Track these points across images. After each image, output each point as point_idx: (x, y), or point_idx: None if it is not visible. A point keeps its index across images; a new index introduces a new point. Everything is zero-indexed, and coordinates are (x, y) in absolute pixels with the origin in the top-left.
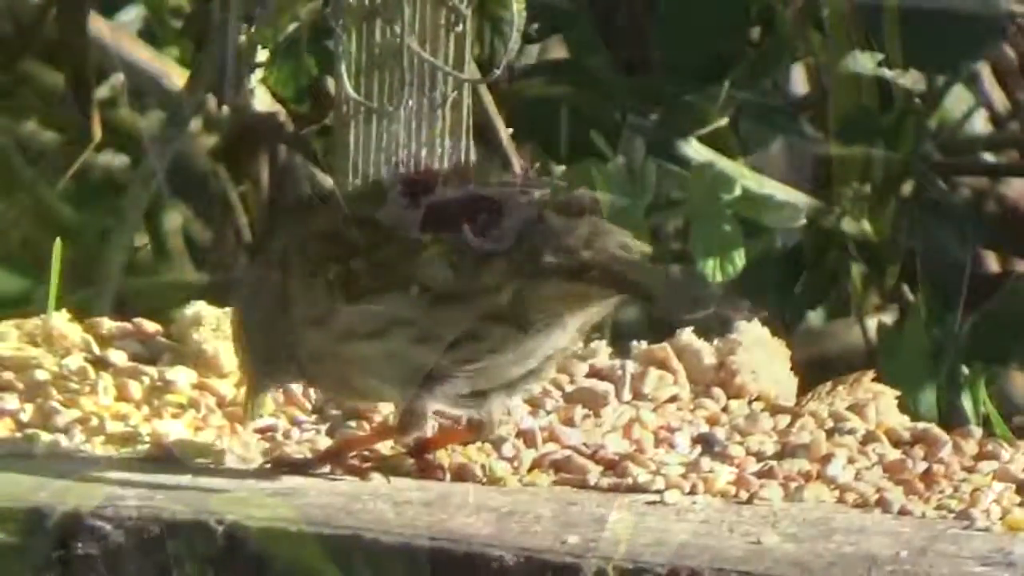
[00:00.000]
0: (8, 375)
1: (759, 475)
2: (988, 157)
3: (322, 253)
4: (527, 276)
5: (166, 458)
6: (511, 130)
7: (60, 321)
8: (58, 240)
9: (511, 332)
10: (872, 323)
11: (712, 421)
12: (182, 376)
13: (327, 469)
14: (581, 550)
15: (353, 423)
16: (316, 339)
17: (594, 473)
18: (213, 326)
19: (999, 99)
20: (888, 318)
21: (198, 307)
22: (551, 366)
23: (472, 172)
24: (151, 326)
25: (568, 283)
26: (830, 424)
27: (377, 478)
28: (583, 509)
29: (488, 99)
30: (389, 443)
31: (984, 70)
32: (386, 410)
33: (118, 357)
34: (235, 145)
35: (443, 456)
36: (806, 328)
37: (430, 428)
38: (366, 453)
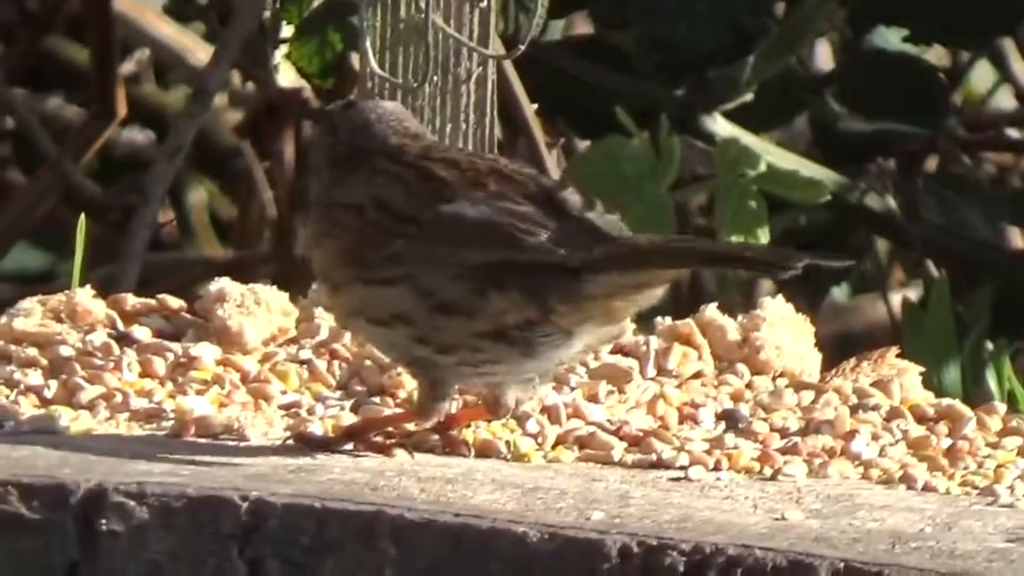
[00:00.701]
0: (32, 351)
1: (783, 451)
2: (1013, 133)
3: (341, 219)
4: (565, 289)
5: (190, 434)
6: (536, 106)
7: (84, 297)
8: (83, 216)
9: (513, 352)
10: (896, 299)
11: (736, 397)
12: (206, 352)
13: (349, 446)
14: (605, 526)
15: (377, 399)
16: (331, 300)
17: (618, 449)
18: (238, 302)
19: (1023, 74)
20: (912, 294)
21: (222, 283)
22: (552, 374)
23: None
24: (175, 302)
25: (626, 271)
26: (854, 400)
27: (401, 454)
28: (607, 485)
29: (513, 75)
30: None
31: (1009, 45)
32: (410, 385)
33: (142, 333)
34: (260, 121)
35: (467, 432)
36: (830, 304)
37: (452, 406)
38: (389, 430)
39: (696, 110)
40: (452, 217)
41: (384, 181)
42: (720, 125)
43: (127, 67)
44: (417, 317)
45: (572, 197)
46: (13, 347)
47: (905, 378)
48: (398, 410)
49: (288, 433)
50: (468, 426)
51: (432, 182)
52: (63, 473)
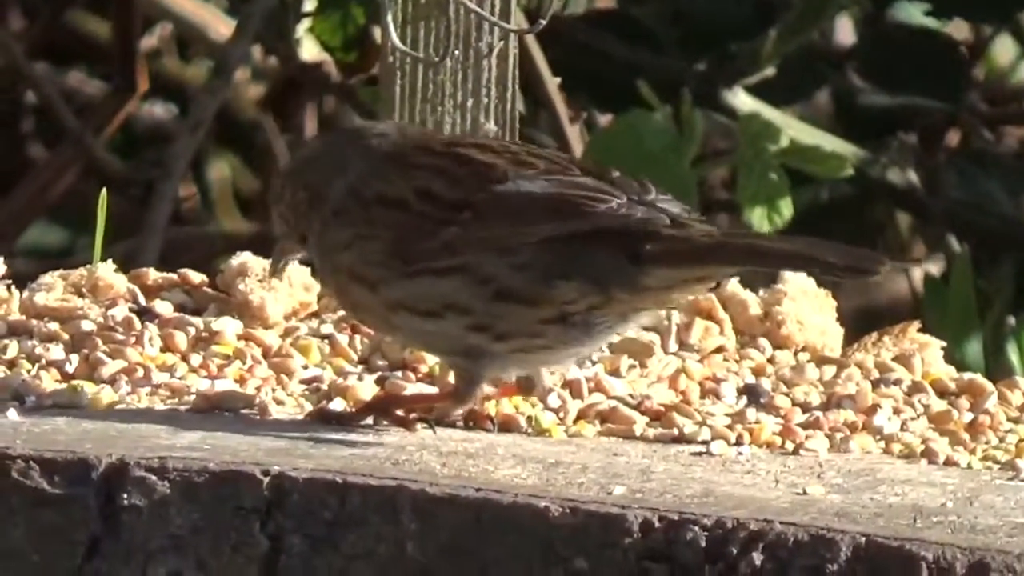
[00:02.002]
0: (54, 326)
1: (805, 426)
2: None
3: (382, 216)
4: (625, 276)
5: (211, 408)
6: (558, 80)
7: (106, 271)
8: (104, 190)
9: (572, 334)
10: (918, 273)
11: (758, 371)
12: (228, 327)
13: (370, 421)
14: (627, 501)
15: (399, 373)
16: (362, 295)
17: (640, 424)
18: (259, 276)
19: None
20: (934, 268)
21: (244, 257)
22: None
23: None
24: (197, 276)
25: (688, 267)
26: (876, 375)
27: (423, 429)
28: (629, 460)
29: (535, 49)
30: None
31: None
32: (431, 360)
33: (164, 308)
34: (282, 95)
35: (490, 407)
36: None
37: (479, 395)
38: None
39: (718, 84)
40: (510, 195)
41: (422, 173)
42: (742, 99)
43: (149, 41)
44: (475, 306)
45: (621, 180)
46: (35, 322)
47: (927, 352)
48: (420, 385)
49: (310, 408)
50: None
51: (473, 165)
52: (85, 448)
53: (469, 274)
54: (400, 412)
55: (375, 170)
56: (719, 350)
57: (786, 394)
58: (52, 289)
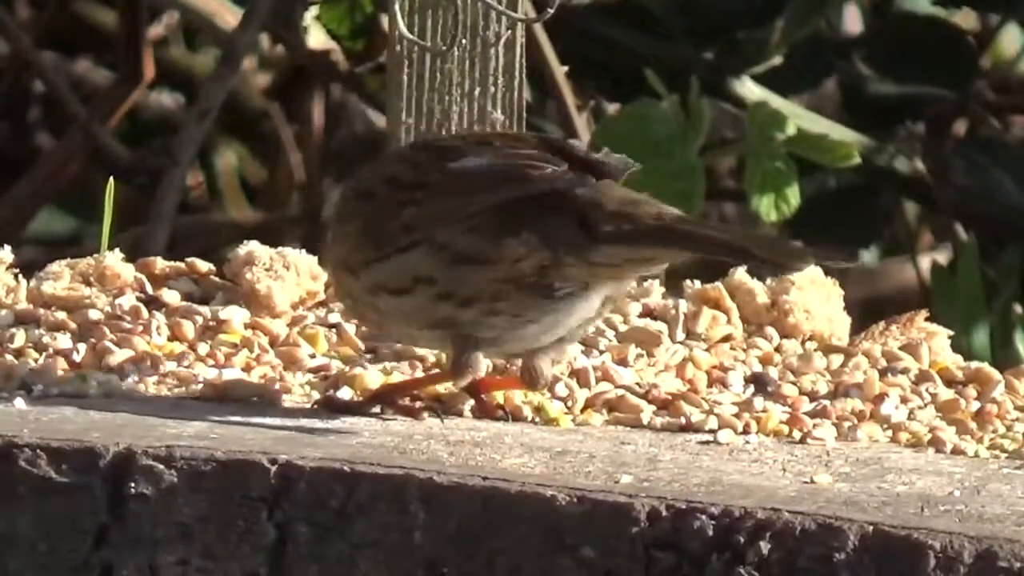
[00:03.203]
0: (61, 314)
1: (812, 414)
2: None
3: (356, 208)
4: (573, 243)
5: (219, 397)
6: (565, 68)
7: (113, 260)
8: (111, 179)
9: (533, 298)
10: (925, 262)
11: (765, 360)
12: (235, 315)
13: (377, 409)
14: (634, 489)
15: (406, 363)
16: (351, 284)
17: (647, 412)
18: (266, 265)
19: None
20: (941, 257)
21: (251, 246)
22: (580, 334)
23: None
24: (204, 265)
25: (632, 247)
26: (883, 363)
27: (431, 418)
28: (636, 449)
29: (542, 38)
30: (440, 386)
31: None
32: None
33: (171, 296)
34: (289, 84)
35: (498, 396)
36: (859, 267)
37: (484, 369)
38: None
39: (725, 73)
40: (458, 171)
41: (390, 164)
42: (749, 88)
43: (156, 30)
44: (437, 274)
45: (578, 144)
46: (42, 310)
47: (934, 341)
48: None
49: (317, 396)
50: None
51: (435, 150)
52: (92, 437)
53: (428, 244)
54: (407, 400)
55: (360, 174)
56: (726, 339)
57: (793, 383)
58: (59, 278)
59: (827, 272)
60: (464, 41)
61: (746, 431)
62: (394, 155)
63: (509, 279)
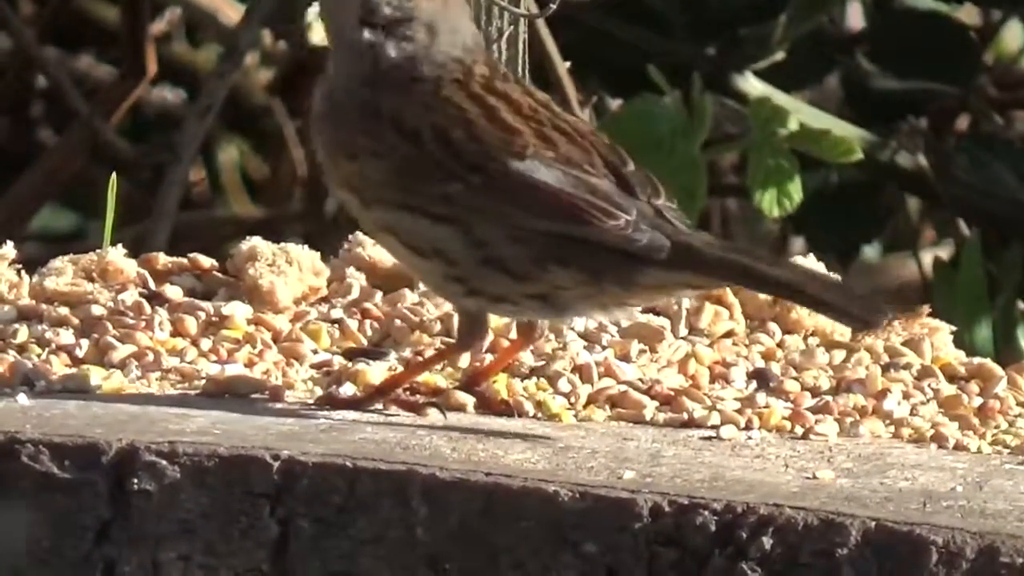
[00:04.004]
0: (64, 310)
1: (814, 410)
2: None
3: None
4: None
5: (222, 393)
6: (568, 64)
7: (116, 256)
8: (114, 175)
9: (547, 310)
10: (928, 258)
11: (768, 356)
12: (238, 311)
13: (380, 405)
14: (637, 485)
15: (408, 351)
16: (352, 205)
17: (650, 408)
18: (269, 261)
19: None
20: (944, 253)
21: (254, 242)
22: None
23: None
24: (207, 261)
25: (686, 273)
26: (885, 359)
27: (434, 413)
28: (639, 444)
29: (545, 33)
30: (441, 379)
31: None
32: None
33: (174, 292)
34: (291, 79)
35: (501, 388)
36: (862, 262)
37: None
38: (420, 388)
39: (728, 69)
40: (523, 177)
41: (447, 112)
42: (752, 84)
43: (158, 26)
44: (461, 260)
45: (635, 175)
46: (44, 306)
47: (936, 337)
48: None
49: (320, 392)
50: (495, 381)
51: (497, 125)
52: (95, 432)
53: (463, 229)
54: (408, 395)
55: (410, 93)
56: (729, 334)
57: (796, 378)
58: (62, 274)
59: (830, 267)
60: None
61: (748, 427)
62: (454, 103)
63: (537, 295)
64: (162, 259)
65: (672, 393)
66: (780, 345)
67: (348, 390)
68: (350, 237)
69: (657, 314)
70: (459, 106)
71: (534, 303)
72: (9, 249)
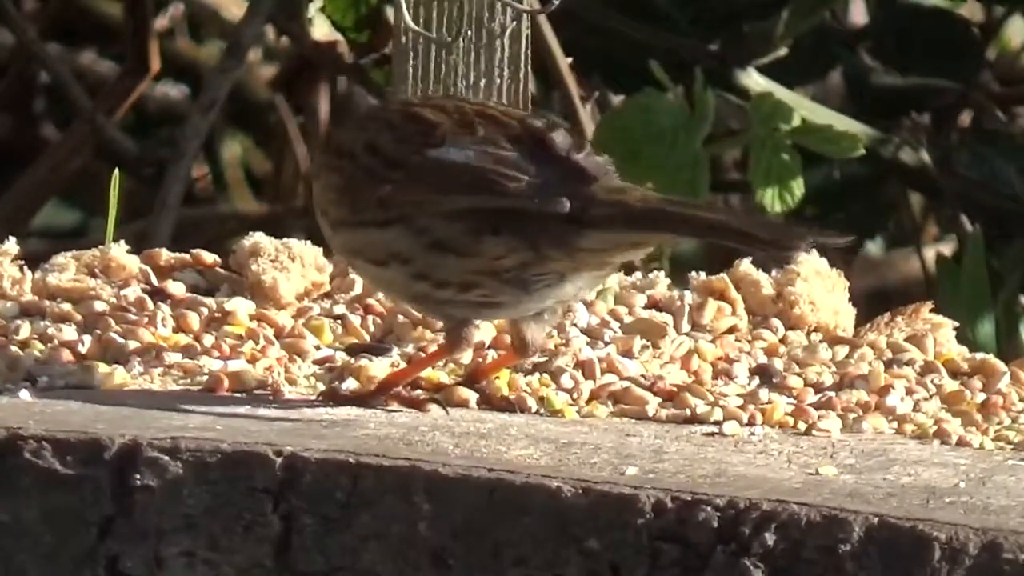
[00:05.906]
0: (66, 306)
1: (817, 406)
2: None
3: (336, 163)
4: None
5: (224, 389)
6: (570, 60)
7: (119, 252)
8: (116, 171)
9: (508, 287)
10: (930, 253)
11: (770, 352)
12: (240, 307)
13: (379, 402)
14: (640, 481)
15: (411, 347)
16: (326, 231)
17: (652, 404)
18: (272, 257)
19: None
20: (947, 248)
21: (257, 238)
22: (560, 309)
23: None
24: (209, 257)
25: (621, 232)
26: (888, 355)
27: (436, 409)
28: (641, 440)
29: (547, 29)
30: (442, 375)
31: None
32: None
33: (176, 288)
34: (294, 75)
35: (503, 386)
36: (864, 258)
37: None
38: (423, 383)
39: (730, 64)
40: (436, 162)
41: (373, 127)
42: (754, 79)
43: (161, 21)
44: (414, 255)
45: (561, 138)
46: (47, 302)
47: (939, 333)
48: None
49: (322, 388)
50: (498, 377)
51: (419, 124)
52: (97, 428)
53: (407, 225)
54: (408, 392)
55: (347, 125)
56: (732, 330)
57: (799, 374)
58: (65, 269)
59: (833, 263)
60: (469, 33)
61: (751, 422)
62: (381, 117)
63: (486, 272)
64: (165, 255)
65: (675, 389)
66: (783, 341)
67: (351, 386)
68: None
69: (660, 310)
70: (390, 123)
71: (491, 283)
72: (12, 245)
